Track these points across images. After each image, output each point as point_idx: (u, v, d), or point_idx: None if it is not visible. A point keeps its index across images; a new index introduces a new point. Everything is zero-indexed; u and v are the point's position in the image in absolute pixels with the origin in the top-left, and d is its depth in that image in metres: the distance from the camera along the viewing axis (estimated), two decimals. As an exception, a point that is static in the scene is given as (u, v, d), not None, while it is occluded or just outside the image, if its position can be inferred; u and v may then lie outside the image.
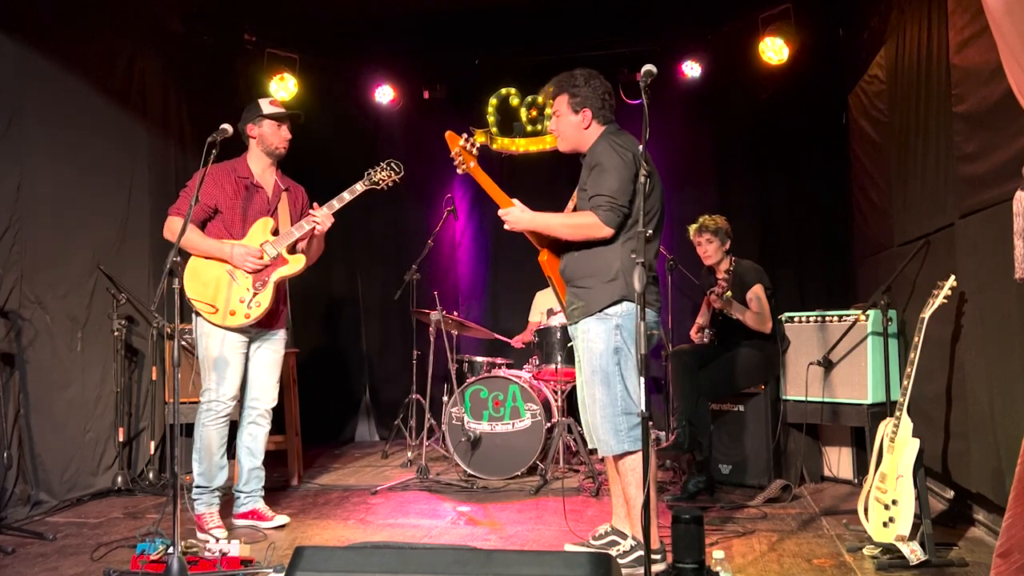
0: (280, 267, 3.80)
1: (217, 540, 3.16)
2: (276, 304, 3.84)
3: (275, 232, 3.87)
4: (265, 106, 3.89)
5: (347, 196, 3.85)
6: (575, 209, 3.26)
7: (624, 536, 3.17)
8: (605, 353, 3.05)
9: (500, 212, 3.25)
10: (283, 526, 3.86)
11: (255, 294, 3.74)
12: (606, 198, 3.02)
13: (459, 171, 3.37)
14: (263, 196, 3.89)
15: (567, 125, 3.23)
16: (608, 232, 3.04)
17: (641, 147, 2.65)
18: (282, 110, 3.92)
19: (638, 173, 2.99)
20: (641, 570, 2.93)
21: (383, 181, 3.90)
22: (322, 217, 3.79)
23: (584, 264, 3.12)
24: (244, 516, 3.88)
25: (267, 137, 3.87)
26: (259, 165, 3.91)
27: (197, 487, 3.74)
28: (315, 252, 4.00)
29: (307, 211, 3.96)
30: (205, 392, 3.75)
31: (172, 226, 3.73)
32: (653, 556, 2.91)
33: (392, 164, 3.92)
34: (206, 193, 3.73)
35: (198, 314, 3.73)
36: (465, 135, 3.39)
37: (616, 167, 3.03)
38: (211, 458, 3.74)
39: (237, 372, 3.78)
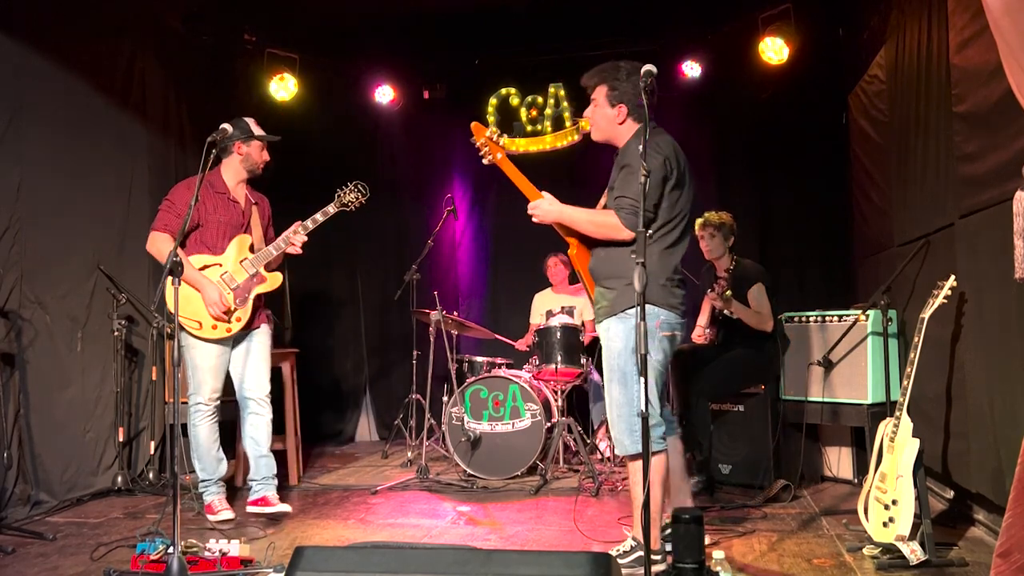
0: (259, 284, 4.04)
1: (226, 521, 3.75)
2: (254, 314, 4.05)
3: (251, 249, 4.05)
4: (253, 126, 4.07)
5: (320, 217, 4.03)
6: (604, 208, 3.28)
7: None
8: (623, 352, 3.05)
9: (530, 205, 3.24)
10: (285, 513, 4.04)
11: (235, 310, 3.96)
12: (629, 200, 3.03)
13: (484, 162, 3.33)
14: (238, 210, 4.06)
15: (602, 117, 3.22)
16: (628, 235, 3.04)
17: (641, 147, 2.65)
18: (264, 132, 4.13)
19: (668, 177, 3.04)
20: (641, 570, 2.93)
21: (352, 203, 4.06)
22: (299, 240, 4.01)
23: (610, 265, 3.13)
24: (255, 503, 4.07)
25: (253, 156, 4.06)
26: (234, 180, 4.08)
27: (202, 481, 4.02)
28: (275, 264, 4.19)
29: (271, 223, 4.21)
30: (192, 396, 3.98)
31: (156, 242, 3.90)
32: (654, 556, 2.91)
33: (359, 186, 4.06)
34: (185, 207, 3.83)
35: (182, 328, 3.88)
36: (492, 127, 3.37)
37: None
38: (208, 453, 3.99)
39: (220, 375, 4.02)
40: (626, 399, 3.05)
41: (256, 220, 4.12)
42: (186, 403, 4.12)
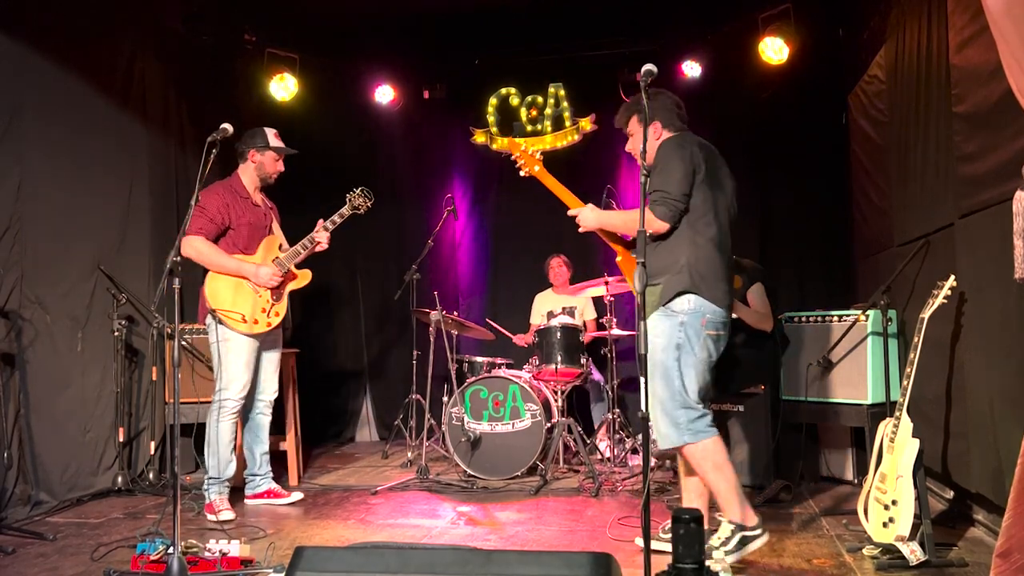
0: (291, 281, 4.28)
1: (227, 522, 3.83)
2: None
3: (279, 248, 4.25)
4: (271, 137, 4.24)
5: (337, 219, 4.25)
6: None
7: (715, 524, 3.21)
8: (667, 348, 3.13)
9: (570, 212, 3.38)
10: (299, 501, 4.34)
11: (274, 304, 4.15)
12: (660, 193, 3.12)
13: (522, 173, 3.52)
14: (260, 213, 4.25)
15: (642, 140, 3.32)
16: (661, 226, 3.12)
17: (642, 147, 2.68)
18: (282, 144, 4.28)
19: (698, 169, 3.15)
20: (750, 547, 3.05)
21: (361, 207, 4.27)
22: (324, 238, 4.23)
23: (656, 261, 3.19)
24: (260, 496, 4.31)
25: (267, 166, 4.24)
26: (252, 185, 4.26)
27: (209, 478, 4.06)
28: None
29: (280, 224, 4.39)
30: (221, 391, 4.05)
31: (195, 245, 4.02)
32: (752, 533, 3.04)
33: (365, 191, 4.27)
34: (217, 212, 4.05)
35: (221, 323, 4.01)
36: (526, 140, 3.51)
37: (673, 165, 3.12)
38: (224, 451, 4.06)
39: (251, 373, 4.14)
40: (669, 394, 3.12)
41: (275, 223, 4.35)
42: (187, 403, 4.16)
